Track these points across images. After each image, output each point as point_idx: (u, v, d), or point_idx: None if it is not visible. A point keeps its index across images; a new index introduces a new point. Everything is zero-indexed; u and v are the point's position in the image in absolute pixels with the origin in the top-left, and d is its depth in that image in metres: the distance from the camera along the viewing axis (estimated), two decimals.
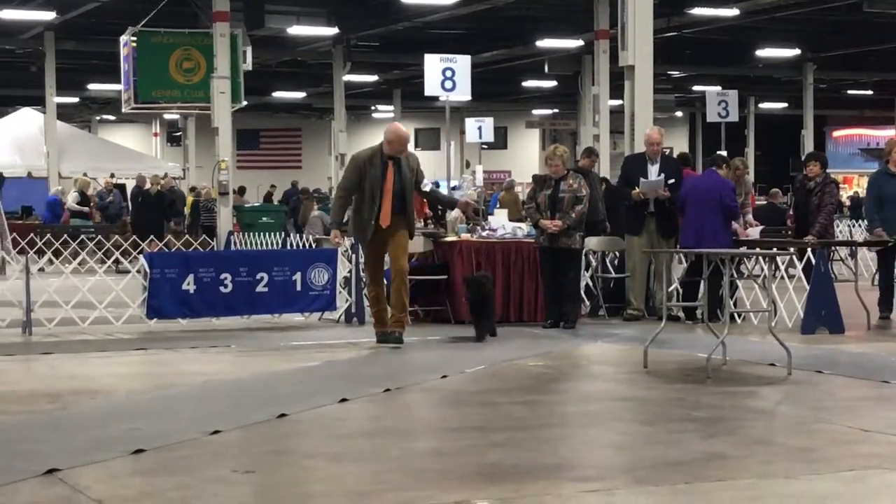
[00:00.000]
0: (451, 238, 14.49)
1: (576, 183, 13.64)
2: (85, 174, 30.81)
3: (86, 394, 9.15)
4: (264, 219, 27.85)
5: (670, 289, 14.17)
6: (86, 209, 27.97)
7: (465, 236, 14.47)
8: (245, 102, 25.07)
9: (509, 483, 6.16)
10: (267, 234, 24.95)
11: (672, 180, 14.34)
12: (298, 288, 14.11)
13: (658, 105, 18.82)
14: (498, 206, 24.59)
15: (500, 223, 14.92)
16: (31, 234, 24.42)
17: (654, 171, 14.43)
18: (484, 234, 14.53)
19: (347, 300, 14.35)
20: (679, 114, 50.84)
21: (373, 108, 50.68)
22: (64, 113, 35.81)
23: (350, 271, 14.32)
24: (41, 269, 19.70)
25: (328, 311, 14.42)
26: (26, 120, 34.63)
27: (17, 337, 12.76)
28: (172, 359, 11.36)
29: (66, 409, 8.51)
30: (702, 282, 11.16)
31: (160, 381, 10.09)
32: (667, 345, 11.31)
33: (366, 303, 13.31)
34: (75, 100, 43.63)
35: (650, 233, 14.40)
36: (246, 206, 30.11)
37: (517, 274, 14.29)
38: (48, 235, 24.60)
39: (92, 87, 40.43)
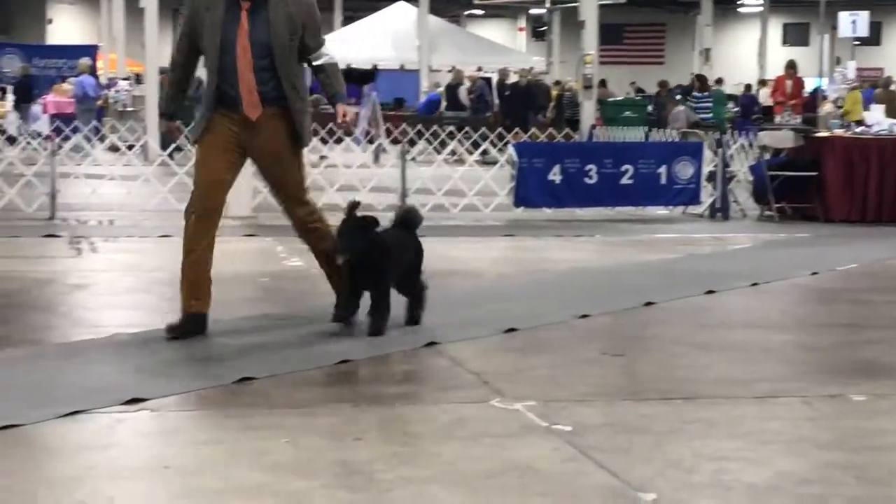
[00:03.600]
0: (823, 133, 14.03)
1: None
2: (454, 67, 31.53)
3: (458, 275, 9.50)
4: (627, 113, 27.73)
5: None
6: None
7: (839, 132, 13.99)
8: None
9: (887, 379, 6.01)
10: (629, 128, 24.88)
11: None
12: (663, 181, 14.06)
13: None
14: (874, 102, 23.56)
15: (876, 119, 14.33)
16: (404, 125, 25.29)
17: None
18: (858, 130, 13.99)
19: (712, 195, 14.18)
20: None
21: (738, 2, 49.34)
22: (435, 7, 36.60)
23: (715, 165, 14.12)
24: (413, 159, 20.44)
25: (692, 206, 14.30)
26: (401, 14, 35.65)
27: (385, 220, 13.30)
28: (538, 246, 11.61)
29: (440, 288, 8.85)
30: None
31: (528, 266, 10.36)
32: None
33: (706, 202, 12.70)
34: None
35: None
36: (609, 99, 30.06)
37: (893, 172, 13.69)
38: (419, 126, 25.41)
39: None
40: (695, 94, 24.58)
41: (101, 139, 21.48)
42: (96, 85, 26.02)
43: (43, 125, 25.06)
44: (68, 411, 5.03)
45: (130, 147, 17.78)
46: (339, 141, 22.34)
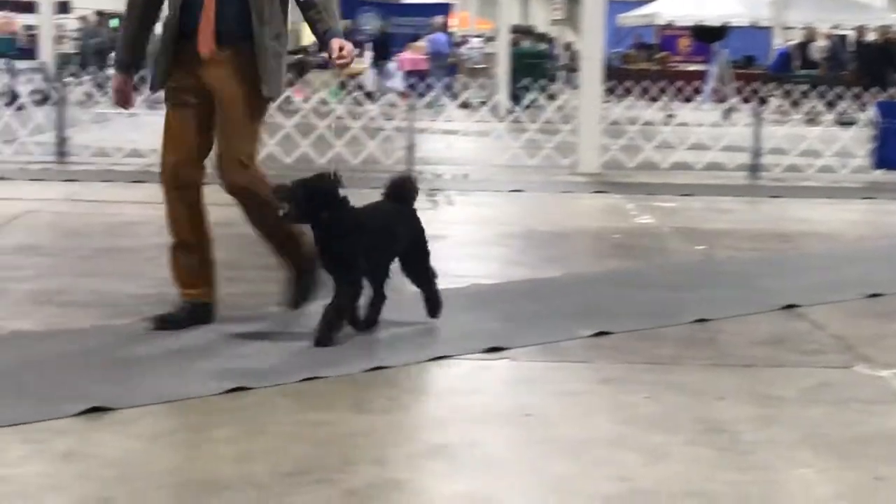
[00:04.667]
0: None
1: None
2: (808, 25, 30.51)
3: (814, 236, 9.23)
4: None
5: None
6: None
7: None
8: None
9: None
10: None
11: None
12: None
13: None
14: None
15: None
16: (755, 83, 24.69)
17: None
18: None
19: None
20: None
21: None
22: None
23: None
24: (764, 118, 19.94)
25: None
26: None
27: (745, 179, 13.07)
28: None
29: (796, 249, 8.65)
30: None
31: (889, 230, 9.95)
32: None
33: None
34: None
35: None
36: None
37: None
38: (772, 84, 24.75)
39: None
40: None
41: (454, 96, 22.00)
42: (449, 42, 26.66)
43: (398, 82, 25.92)
44: (435, 356, 5.20)
45: (482, 104, 18.13)
46: (687, 99, 22.10)
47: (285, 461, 3.87)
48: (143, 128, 15.74)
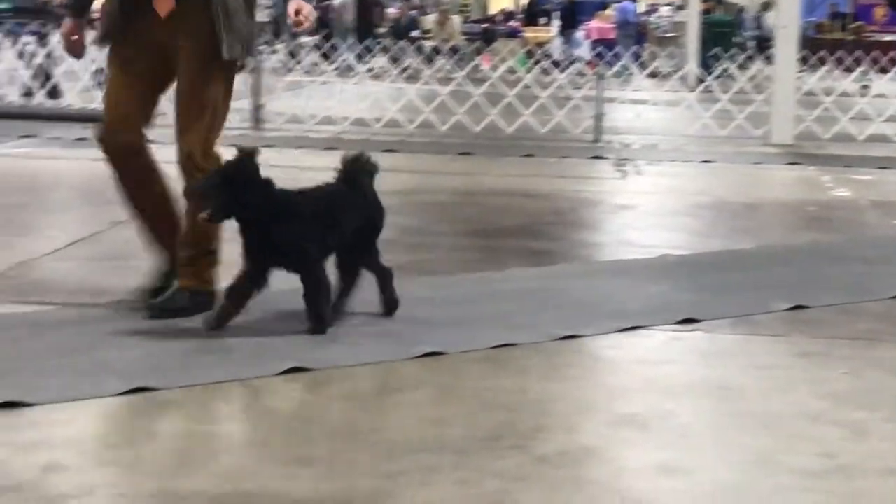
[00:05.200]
0: None
1: None
2: None
3: None
4: None
5: None
6: None
7: None
8: None
9: None
10: None
11: None
12: None
13: None
14: None
15: None
16: None
17: None
18: None
19: None
20: None
21: None
22: None
23: None
24: None
25: None
26: None
27: None
28: None
29: None
30: None
31: None
32: None
33: None
34: None
35: None
36: None
37: None
38: None
39: None
40: None
41: (642, 66, 21.78)
42: (636, 10, 26.39)
43: (584, 51, 25.77)
44: (627, 326, 5.17)
45: (671, 73, 17.91)
46: (883, 70, 21.37)
47: (479, 426, 3.91)
48: (336, 95, 16.05)
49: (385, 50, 23.59)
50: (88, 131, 10.37)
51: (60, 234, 7.02)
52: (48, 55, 15.69)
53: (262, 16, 28.96)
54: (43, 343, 4.67)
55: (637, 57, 23.76)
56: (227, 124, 5.21)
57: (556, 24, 28.41)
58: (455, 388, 4.33)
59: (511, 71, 17.34)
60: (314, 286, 4.85)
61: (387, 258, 5.21)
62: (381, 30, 28.98)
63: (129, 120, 5.03)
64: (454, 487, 3.40)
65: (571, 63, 21.73)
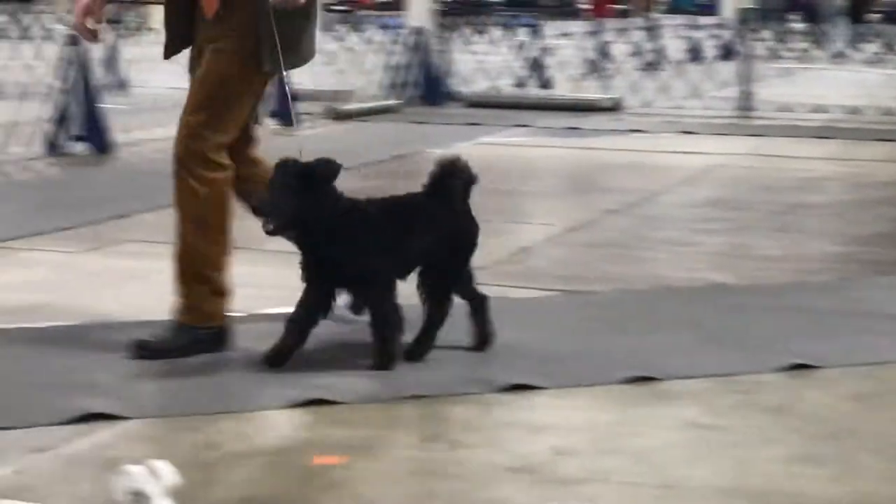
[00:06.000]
0: None
1: None
2: None
3: None
4: None
5: None
6: None
7: None
8: None
9: None
10: None
11: None
12: None
13: None
14: None
15: None
16: None
17: None
18: None
19: None
20: None
21: None
22: None
23: None
24: None
25: None
26: None
27: None
28: None
29: None
30: None
31: None
32: None
33: None
34: None
35: None
36: None
37: None
38: None
39: None
40: None
41: None
42: None
43: None
44: None
45: None
46: None
47: None
48: (828, 82, 15.55)
49: (878, 35, 22.64)
50: (578, 120, 10.63)
51: (556, 222, 7.19)
52: (542, 48, 16.23)
53: (748, 1, 28.54)
54: (546, 330, 4.81)
55: None
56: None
57: None
58: None
59: None
60: (381, 315, 4.17)
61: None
62: (874, 15, 27.79)
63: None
64: None
65: None
